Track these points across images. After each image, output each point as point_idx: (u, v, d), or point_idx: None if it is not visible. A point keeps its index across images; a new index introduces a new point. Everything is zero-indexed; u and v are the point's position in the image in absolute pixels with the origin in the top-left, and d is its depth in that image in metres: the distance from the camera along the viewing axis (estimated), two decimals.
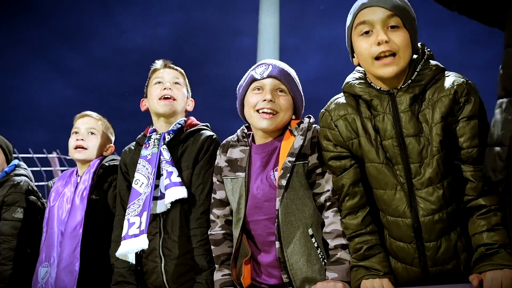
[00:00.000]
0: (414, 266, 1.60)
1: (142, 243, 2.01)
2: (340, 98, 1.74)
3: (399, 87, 1.61)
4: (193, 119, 2.33)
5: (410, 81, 1.61)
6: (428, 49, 1.69)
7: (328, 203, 1.79)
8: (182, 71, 2.36)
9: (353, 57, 1.70)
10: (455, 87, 1.55)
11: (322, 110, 1.77)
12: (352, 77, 1.74)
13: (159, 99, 2.23)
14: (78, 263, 2.25)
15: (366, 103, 1.66)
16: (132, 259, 2.07)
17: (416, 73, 1.61)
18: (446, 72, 1.63)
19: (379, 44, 1.56)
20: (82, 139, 2.51)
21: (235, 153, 1.97)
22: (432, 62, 1.65)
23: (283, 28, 10.00)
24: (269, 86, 1.88)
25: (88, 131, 2.54)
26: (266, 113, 1.85)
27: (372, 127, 1.63)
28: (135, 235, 2.03)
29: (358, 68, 1.76)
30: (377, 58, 1.57)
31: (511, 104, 1.32)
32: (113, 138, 2.68)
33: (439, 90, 1.57)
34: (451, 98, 1.54)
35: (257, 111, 1.87)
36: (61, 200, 2.45)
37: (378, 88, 1.64)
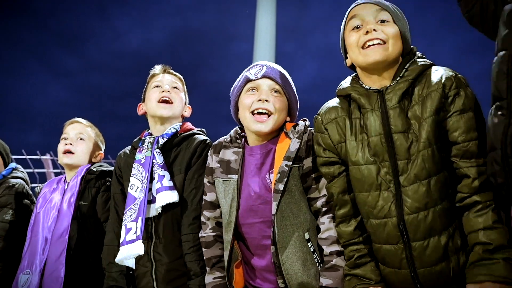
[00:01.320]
0: (402, 268, 1.58)
1: (138, 249, 2.00)
2: (332, 101, 1.75)
3: (388, 85, 1.61)
4: (188, 124, 2.32)
5: (399, 78, 1.61)
6: (421, 54, 1.69)
7: (324, 209, 1.77)
8: (181, 77, 2.38)
9: (346, 57, 1.72)
10: (443, 81, 1.53)
11: (315, 115, 1.77)
12: (344, 81, 1.75)
13: (158, 102, 2.23)
14: (63, 269, 2.22)
15: (356, 103, 1.66)
16: (132, 264, 2.04)
17: (404, 70, 1.62)
18: (434, 67, 1.62)
19: (367, 33, 1.59)
20: (71, 144, 2.54)
21: (228, 154, 1.94)
22: (421, 60, 1.66)
23: (280, 34, 10.04)
24: (263, 86, 1.86)
25: (77, 136, 2.57)
26: (261, 113, 1.83)
27: (359, 126, 1.64)
28: (132, 241, 2.01)
29: (351, 75, 1.77)
30: (364, 47, 1.60)
31: (497, 109, 1.31)
32: (103, 147, 2.68)
33: (428, 85, 1.55)
34: (440, 92, 1.52)
35: (252, 112, 1.84)
36: (48, 207, 2.43)
37: (368, 87, 1.65)
